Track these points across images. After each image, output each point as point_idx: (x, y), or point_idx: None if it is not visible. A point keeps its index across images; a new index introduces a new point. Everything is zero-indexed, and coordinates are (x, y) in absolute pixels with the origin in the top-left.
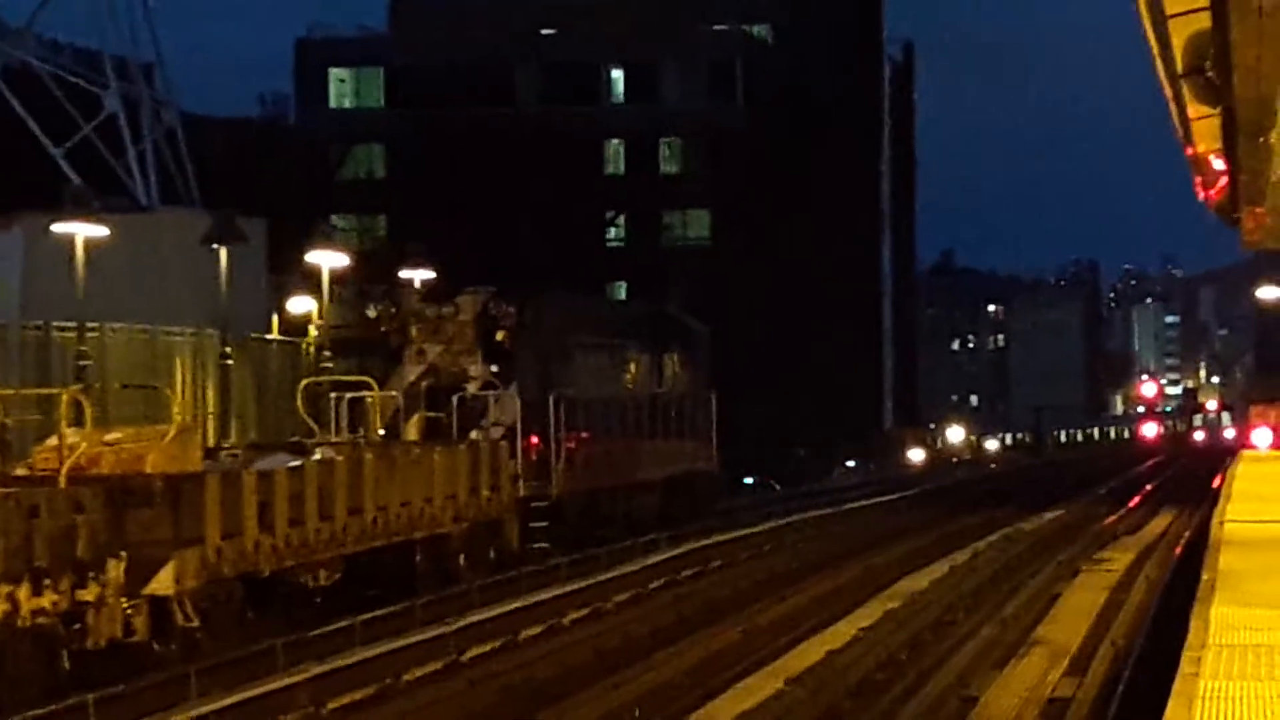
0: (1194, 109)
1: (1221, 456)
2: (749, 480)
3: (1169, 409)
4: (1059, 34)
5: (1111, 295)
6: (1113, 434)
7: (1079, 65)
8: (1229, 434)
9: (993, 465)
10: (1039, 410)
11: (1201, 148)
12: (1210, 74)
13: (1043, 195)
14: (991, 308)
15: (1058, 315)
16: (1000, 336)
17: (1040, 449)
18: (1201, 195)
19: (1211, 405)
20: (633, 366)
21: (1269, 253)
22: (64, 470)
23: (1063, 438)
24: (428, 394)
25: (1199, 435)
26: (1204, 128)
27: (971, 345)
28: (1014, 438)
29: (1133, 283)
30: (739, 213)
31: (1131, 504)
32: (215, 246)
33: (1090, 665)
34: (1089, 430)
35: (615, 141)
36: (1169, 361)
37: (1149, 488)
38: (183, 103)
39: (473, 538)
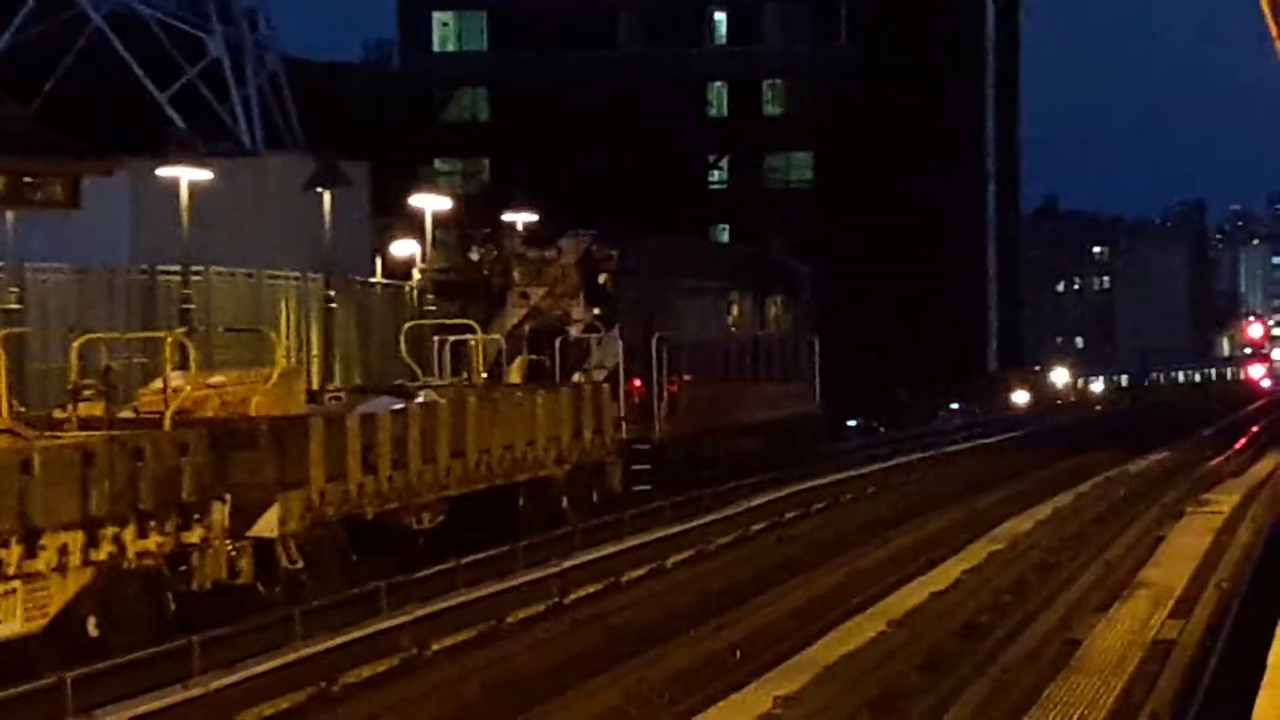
0: None
1: None
2: (852, 423)
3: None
4: None
5: (1218, 236)
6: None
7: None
8: None
9: (1098, 407)
10: (1144, 352)
11: None
12: None
13: (1148, 135)
14: (1096, 250)
15: (1163, 257)
16: (1105, 279)
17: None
18: None
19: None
20: (735, 309)
21: None
22: (169, 413)
23: (1179, 379)
24: (530, 337)
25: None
26: None
27: (1077, 287)
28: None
29: (1239, 223)
30: (842, 155)
31: (1238, 446)
32: (319, 190)
33: (1195, 608)
34: (1203, 371)
35: (718, 84)
36: (1276, 303)
37: (1255, 429)
38: (285, 46)
39: (575, 480)
